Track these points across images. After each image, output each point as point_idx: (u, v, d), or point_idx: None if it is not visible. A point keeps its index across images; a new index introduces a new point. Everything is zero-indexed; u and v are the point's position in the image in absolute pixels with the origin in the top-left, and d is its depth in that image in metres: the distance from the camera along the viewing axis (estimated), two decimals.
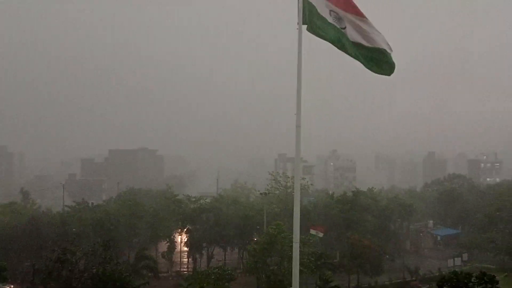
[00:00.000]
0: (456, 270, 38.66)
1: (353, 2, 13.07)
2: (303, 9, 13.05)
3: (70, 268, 46.86)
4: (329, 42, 13.15)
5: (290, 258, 45.30)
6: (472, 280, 34.96)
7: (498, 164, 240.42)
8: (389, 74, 12.84)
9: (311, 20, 13.20)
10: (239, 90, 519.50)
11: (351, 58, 12.90)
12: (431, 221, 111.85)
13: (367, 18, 12.92)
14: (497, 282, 34.91)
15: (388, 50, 12.58)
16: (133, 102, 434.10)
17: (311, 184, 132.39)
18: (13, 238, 69.50)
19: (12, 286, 59.72)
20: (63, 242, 56.37)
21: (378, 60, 12.80)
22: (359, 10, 12.97)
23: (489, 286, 34.27)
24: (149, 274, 68.53)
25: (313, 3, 13.24)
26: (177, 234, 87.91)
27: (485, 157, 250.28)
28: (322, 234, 75.04)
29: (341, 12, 13.14)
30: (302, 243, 50.85)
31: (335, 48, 13.04)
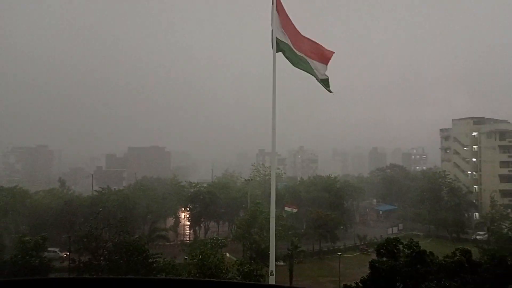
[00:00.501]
0: (390, 237, 39.06)
1: (320, 49, 12.85)
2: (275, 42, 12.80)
3: (96, 239, 46.40)
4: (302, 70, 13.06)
5: (268, 229, 45.67)
6: (400, 245, 35.47)
7: (424, 156, 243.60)
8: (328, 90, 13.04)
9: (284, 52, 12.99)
10: (229, 96, 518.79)
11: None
12: (374, 200, 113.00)
13: (326, 65, 12.87)
14: (418, 244, 35.48)
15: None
16: (146, 106, 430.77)
17: (284, 173, 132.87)
18: (53, 216, 68.98)
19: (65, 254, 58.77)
20: (91, 219, 55.79)
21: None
22: (325, 58, 12.84)
23: (414, 248, 34.75)
24: (160, 242, 68.21)
25: (285, 42, 13.01)
26: (181, 212, 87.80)
27: (415, 151, 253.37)
28: (295, 210, 75.45)
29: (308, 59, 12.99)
30: (277, 218, 51.01)
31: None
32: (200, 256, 33.23)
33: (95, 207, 68.39)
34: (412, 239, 36.12)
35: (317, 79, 12.92)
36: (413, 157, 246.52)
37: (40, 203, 75.08)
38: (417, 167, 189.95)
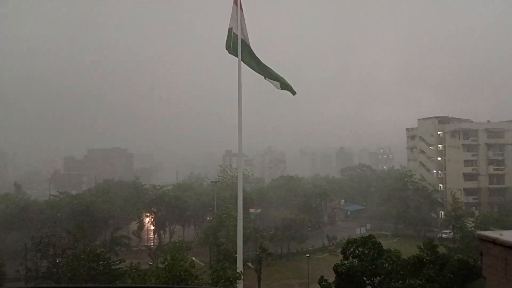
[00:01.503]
0: (352, 237, 39.73)
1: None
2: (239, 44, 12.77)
3: (54, 246, 44.96)
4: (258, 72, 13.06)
5: (235, 232, 45.50)
6: (361, 247, 36.03)
7: (391, 155, 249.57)
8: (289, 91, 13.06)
9: (244, 54, 12.99)
10: (193, 96, 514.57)
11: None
12: (342, 200, 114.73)
13: None
14: (380, 244, 36.14)
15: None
16: (105, 106, 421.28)
17: (252, 174, 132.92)
18: (8, 222, 66.43)
19: None
20: (49, 225, 54.12)
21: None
22: None
23: (375, 247, 35.43)
24: (122, 249, 66.87)
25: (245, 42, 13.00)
26: (145, 216, 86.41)
27: (382, 150, 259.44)
28: (259, 211, 75.63)
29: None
30: (244, 220, 50.96)
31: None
32: (170, 260, 32.53)
33: (53, 212, 66.37)
34: (373, 238, 36.68)
35: (280, 85, 12.94)
36: (380, 156, 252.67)
37: None
38: (384, 167, 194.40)
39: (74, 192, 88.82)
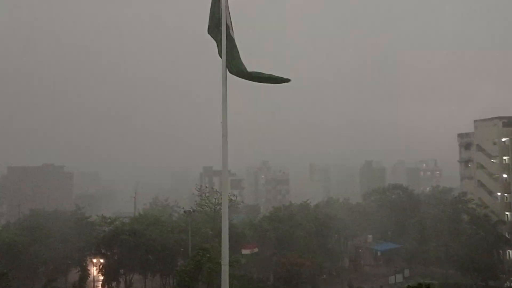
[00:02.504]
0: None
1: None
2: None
3: None
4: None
5: (219, 283, 45.09)
6: None
7: (438, 172, 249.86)
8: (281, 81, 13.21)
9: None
10: (156, 92, 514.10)
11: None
12: (370, 236, 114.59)
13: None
14: None
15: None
16: (35, 113, 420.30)
17: (242, 202, 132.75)
18: None
19: None
20: None
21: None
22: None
23: None
24: None
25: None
26: (90, 260, 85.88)
27: (424, 165, 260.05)
28: (256, 250, 75.45)
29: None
30: (231, 266, 50.66)
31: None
32: None
33: None
34: None
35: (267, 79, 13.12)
36: (422, 173, 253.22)
37: None
38: (428, 188, 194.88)
39: None
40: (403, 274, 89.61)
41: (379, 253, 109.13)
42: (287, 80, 13.03)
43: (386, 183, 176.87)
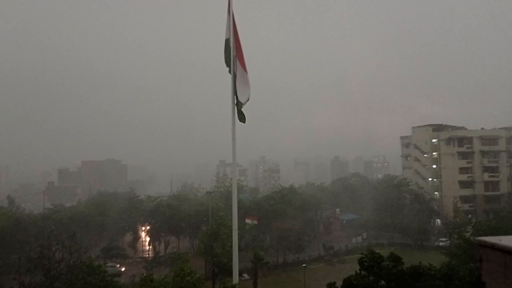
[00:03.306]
0: (373, 250, 38.09)
1: (242, 53, 12.79)
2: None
3: (48, 259, 44.42)
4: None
5: (231, 242, 45.16)
6: (384, 261, 34.74)
7: (386, 164, 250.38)
8: (244, 122, 12.72)
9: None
10: (186, 107, 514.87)
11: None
12: (338, 209, 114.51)
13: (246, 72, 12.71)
14: (402, 260, 34.92)
15: (241, 101, 12.51)
16: (101, 117, 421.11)
17: (246, 184, 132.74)
18: (1, 236, 65.50)
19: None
20: (43, 238, 53.61)
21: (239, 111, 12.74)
22: (244, 62, 12.75)
23: (397, 264, 34.40)
24: (118, 260, 66.41)
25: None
26: (140, 227, 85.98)
27: (376, 158, 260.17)
28: (256, 221, 75.20)
29: (238, 64, 12.90)
30: (240, 230, 50.62)
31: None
32: (180, 272, 31.92)
33: (47, 225, 65.81)
34: (393, 253, 35.72)
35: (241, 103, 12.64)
36: (375, 165, 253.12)
37: None
38: (379, 175, 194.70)
39: (68, 205, 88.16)
40: (362, 237, 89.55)
41: (344, 222, 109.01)
42: (241, 120, 12.59)
43: (349, 172, 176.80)
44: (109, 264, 59.61)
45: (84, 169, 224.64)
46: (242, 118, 11.25)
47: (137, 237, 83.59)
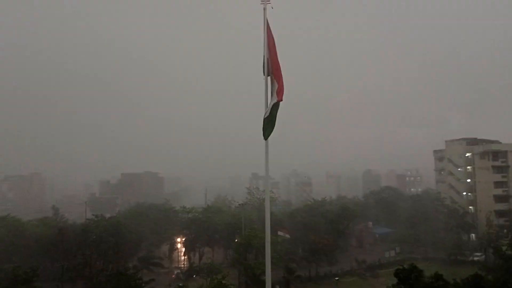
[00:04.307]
0: (414, 264, 36.99)
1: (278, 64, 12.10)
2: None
3: (89, 268, 45.44)
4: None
5: (263, 255, 44.85)
6: (424, 276, 33.75)
7: (419, 178, 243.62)
8: (264, 138, 12.13)
9: None
10: (220, 120, 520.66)
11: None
12: (370, 223, 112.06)
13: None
14: (442, 278, 33.75)
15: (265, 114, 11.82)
16: (139, 131, 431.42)
17: (279, 197, 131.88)
18: (46, 245, 67.56)
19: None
20: (85, 247, 54.92)
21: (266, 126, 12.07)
22: (279, 72, 12.05)
23: (440, 283, 33.30)
24: (154, 269, 67.01)
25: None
26: (175, 237, 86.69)
27: (409, 172, 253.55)
28: (288, 235, 74.46)
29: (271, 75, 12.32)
30: (272, 243, 50.26)
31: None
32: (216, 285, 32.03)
33: (88, 235, 67.34)
34: (437, 273, 34.59)
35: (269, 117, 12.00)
36: (407, 178, 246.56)
37: (33, 232, 73.78)
38: (412, 189, 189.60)
39: (108, 215, 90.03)
40: (395, 251, 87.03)
41: (377, 235, 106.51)
42: (264, 136, 12.04)
43: (381, 185, 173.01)
44: None
45: (123, 181, 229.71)
46: (265, 133, 10.62)
47: (172, 248, 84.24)
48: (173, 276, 69.91)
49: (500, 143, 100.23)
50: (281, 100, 11.95)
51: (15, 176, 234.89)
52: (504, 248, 56.43)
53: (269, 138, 12.71)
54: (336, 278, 60.61)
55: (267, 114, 12.13)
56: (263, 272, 43.38)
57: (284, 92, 11.90)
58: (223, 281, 33.13)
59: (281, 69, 12.23)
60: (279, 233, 72.59)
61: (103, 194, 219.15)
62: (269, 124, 12.21)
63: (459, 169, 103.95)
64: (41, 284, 49.38)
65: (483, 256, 71.54)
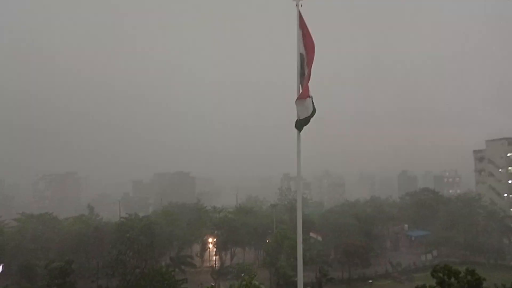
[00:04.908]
0: (449, 264, 36.15)
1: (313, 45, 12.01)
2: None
3: (124, 265, 46.80)
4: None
5: (295, 256, 44.95)
6: (460, 275, 33.00)
7: (458, 179, 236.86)
8: (298, 129, 12.04)
9: None
10: (251, 120, 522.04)
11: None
12: (406, 225, 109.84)
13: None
14: (479, 277, 32.85)
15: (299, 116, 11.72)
16: (171, 131, 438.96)
17: (311, 199, 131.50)
18: (82, 242, 70.00)
19: None
20: (119, 245, 56.49)
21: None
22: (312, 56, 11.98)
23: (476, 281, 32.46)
24: (186, 269, 68.13)
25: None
26: (207, 237, 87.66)
27: (447, 173, 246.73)
28: (320, 238, 74.07)
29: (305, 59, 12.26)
30: (304, 244, 50.13)
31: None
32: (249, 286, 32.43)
33: (122, 233, 69.19)
34: (473, 270, 33.74)
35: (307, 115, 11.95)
36: (445, 180, 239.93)
37: (70, 230, 76.54)
38: (450, 191, 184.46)
39: (141, 214, 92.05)
40: (432, 254, 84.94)
41: (413, 238, 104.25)
42: (298, 128, 12.00)
43: (417, 187, 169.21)
44: None
45: (156, 181, 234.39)
46: (299, 125, 10.67)
47: (204, 247, 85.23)
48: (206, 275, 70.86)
49: None
50: (305, 98, 11.95)
51: (51, 175, 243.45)
52: None
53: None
54: (370, 281, 59.87)
55: (312, 110, 12.20)
56: (295, 274, 43.39)
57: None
58: (253, 281, 33.34)
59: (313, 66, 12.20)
60: (311, 234, 72.32)
61: (136, 193, 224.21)
62: (303, 121, 12.34)
63: (500, 170, 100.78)
64: (78, 280, 51.26)
65: None
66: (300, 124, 11.92)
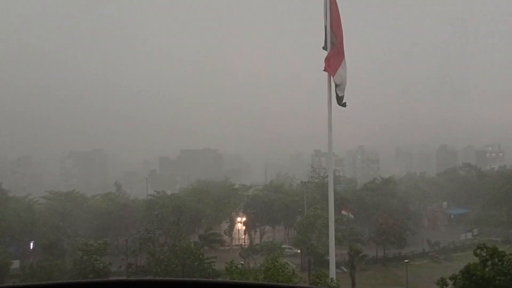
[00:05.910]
0: (493, 245, 35.10)
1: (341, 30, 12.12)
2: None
3: (152, 242, 48.28)
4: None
5: (327, 234, 45.07)
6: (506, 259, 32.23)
7: (502, 154, 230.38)
8: (342, 105, 12.15)
9: None
10: (280, 94, 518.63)
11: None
12: (445, 203, 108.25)
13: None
14: None
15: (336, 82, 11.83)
16: (198, 107, 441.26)
17: (343, 176, 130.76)
18: (110, 220, 72.43)
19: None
20: (147, 222, 58.20)
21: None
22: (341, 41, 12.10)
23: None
24: (215, 246, 69.62)
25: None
26: (235, 215, 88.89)
27: (490, 148, 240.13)
28: (352, 216, 73.89)
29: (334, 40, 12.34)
30: (336, 222, 50.17)
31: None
32: (271, 265, 33.08)
33: (151, 211, 71.12)
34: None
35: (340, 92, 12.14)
36: (488, 155, 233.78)
37: (98, 207, 79.20)
38: (493, 166, 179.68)
39: (169, 192, 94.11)
40: (472, 233, 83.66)
41: (452, 216, 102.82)
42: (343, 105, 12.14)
43: (458, 163, 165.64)
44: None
45: (183, 158, 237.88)
46: (340, 101, 10.74)
47: (233, 225, 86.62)
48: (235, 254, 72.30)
49: None
50: (333, 74, 12.06)
51: (79, 152, 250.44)
52: None
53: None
54: (406, 261, 59.53)
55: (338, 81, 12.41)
56: (327, 252, 43.64)
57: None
58: (278, 260, 33.91)
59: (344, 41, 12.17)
60: (343, 212, 72.33)
61: (163, 171, 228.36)
62: (342, 98, 12.54)
63: None
64: (105, 257, 53.28)
65: None
66: (340, 99, 12.03)
